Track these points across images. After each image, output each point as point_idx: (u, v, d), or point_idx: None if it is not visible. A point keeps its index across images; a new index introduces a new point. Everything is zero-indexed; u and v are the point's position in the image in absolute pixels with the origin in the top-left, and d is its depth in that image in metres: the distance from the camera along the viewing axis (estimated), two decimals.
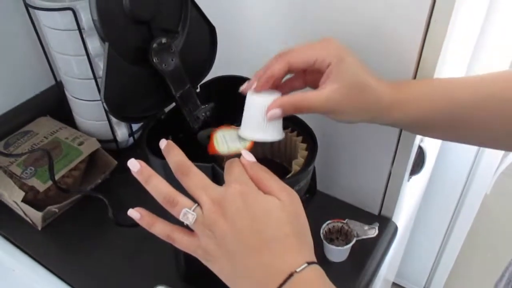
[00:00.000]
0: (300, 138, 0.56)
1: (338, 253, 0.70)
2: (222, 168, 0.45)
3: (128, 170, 0.43)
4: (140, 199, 0.45)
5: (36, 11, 0.74)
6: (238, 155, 0.45)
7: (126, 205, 0.44)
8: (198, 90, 0.59)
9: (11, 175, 0.77)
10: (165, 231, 0.43)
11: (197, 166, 0.43)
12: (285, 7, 0.63)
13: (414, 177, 0.76)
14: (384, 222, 0.76)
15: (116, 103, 0.50)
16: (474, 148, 1.14)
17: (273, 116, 0.49)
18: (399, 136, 0.66)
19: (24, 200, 0.74)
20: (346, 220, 0.71)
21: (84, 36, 0.73)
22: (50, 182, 0.74)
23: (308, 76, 0.53)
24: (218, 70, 0.61)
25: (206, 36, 0.59)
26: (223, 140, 0.52)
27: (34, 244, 0.75)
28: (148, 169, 0.43)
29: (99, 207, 0.74)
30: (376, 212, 0.78)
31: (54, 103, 0.91)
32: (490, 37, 0.96)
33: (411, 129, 0.59)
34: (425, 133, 0.59)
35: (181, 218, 0.41)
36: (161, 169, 0.46)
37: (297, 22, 0.64)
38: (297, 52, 0.50)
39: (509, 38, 0.96)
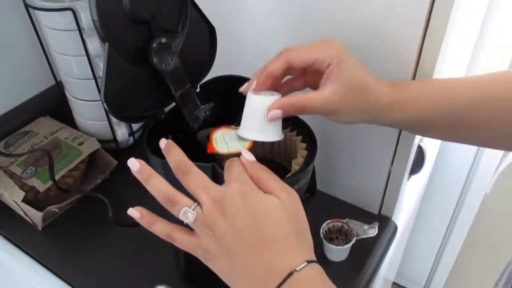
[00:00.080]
0: (299, 137, 0.57)
1: (338, 252, 0.70)
2: (222, 168, 0.45)
3: (128, 169, 0.43)
4: (140, 199, 0.45)
5: (36, 11, 0.74)
6: (238, 155, 0.45)
7: (126, 205, 0.44)
8: (198, 90, 0.59)
9: (12, 175, 0.77)
10: (165, 230, 0.43)
11: (197, 165, 0.43)
12: (285, 7, 0.63)
13: (413, 177, 0.76)
14: (384, 221, 0.76)
15: (116, 103, 0.50)
16: (473, 148, 1.14)
17: (274, 117, 0.49)
18: (399, 136, 0.66)
19: (24, 200, 0.74)
20: (346, 219, 0.71)
21: (84, 36, 0.73)
22: (50, 182, 0.74)
23: (308, 77, 0.54)
24: (218, 70, 0.61)
25: (206, 36, 0.59)
26: (222, 140, 0.52)
27: (34, 244, 0.75)
28: (148, 168, 0.43)
29: (99, 207, 0.74)
30: (376, 212, 0.78)
31: (54, 103, 0.92)
32: (490, 37, 0.96)
33: (411, 130, 0.59)
34: (425, 134, 0.59)
35: (181, 217, 0.41)
36: (161, 168, 0.46)
37: (297, 22, 0.64)
38: (297, 51, 0.50)
39: (509, 38, 0.96)
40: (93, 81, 0.79)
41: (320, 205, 0.66)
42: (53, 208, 0.75)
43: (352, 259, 0.71)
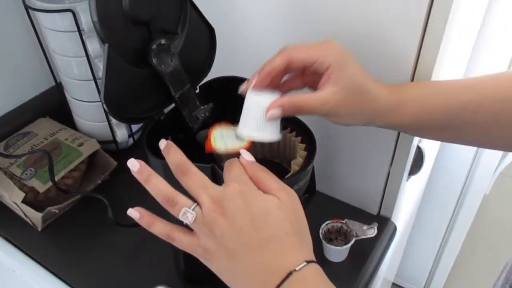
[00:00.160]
0: (299, 138, 0.57)
1: (337, 253, 0.70)
2: (221, 168, 0.45)
3: (128, 170, 0.43)
4: (140, 200, 0.45)
5: (36, 12, 0.74)
6: (237, 155, 0.46)
7: (126, 206, 0.45)
8: (197, 90, 0.59)
9: (11, 176, 0.77)
10: (165, 231, 0.43)
11: (196, 166, 0.43)
12: (285, 7, 0.63)
13: (413, 177, 0.76)
14: (383, 222, 0.76)
15: (116, 104, 0.50)
16: (473, 148, 1.14)
17: (273, 116, 0.49)
18: (398, 137, 0.66)
19: (24, 201, 0.74)
20: (345, 220, 0.71)
21: (84, 37, 0.73)
22: (50, 183, 0.74)
23: (307, 77, 0.54)
24: (217, 70, 0.61)
25: (206, 37, 0.59)
26: (221, 138, 0.52)
27: (34, 245, 0.75)
28: (147, 169, 0.43)
29: (99, 208, 0.74)
30: (375, 212, 0.78)
31: (54, 104, 0.92)
32: (488, 37, 0.96)
33: (409, 131, 0.59)
34: (424, 135, 0.59)
35: (180, 217, 0.41)
36: (161, 169, 0.46)
37: (297, 22, 0.64)
38: (298, 49, 0.50)
39: (508, 38, 0.96)
40: (93, 82, 0.79)
41: (319, 206, 0.66)
42: (53, 209, 0.76)
43: (351, 260, 0.71)
